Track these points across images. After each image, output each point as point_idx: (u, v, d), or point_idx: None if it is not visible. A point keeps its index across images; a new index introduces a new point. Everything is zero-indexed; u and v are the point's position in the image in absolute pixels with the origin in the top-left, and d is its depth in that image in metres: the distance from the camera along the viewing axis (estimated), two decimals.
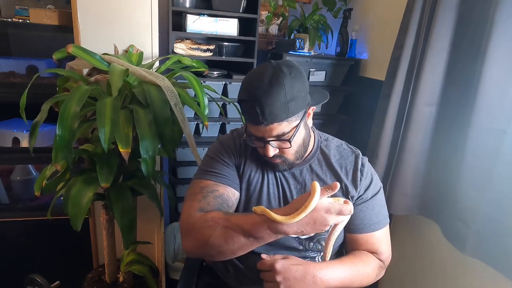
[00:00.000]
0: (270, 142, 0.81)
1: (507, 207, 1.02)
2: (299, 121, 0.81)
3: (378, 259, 0.93)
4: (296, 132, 0.81)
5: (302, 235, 0.72)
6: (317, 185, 0.68)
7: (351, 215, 0.91)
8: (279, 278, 0.76)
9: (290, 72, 0.78)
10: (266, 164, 0.92)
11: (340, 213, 0.69)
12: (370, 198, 0.92)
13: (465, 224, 1.11)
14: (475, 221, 1.08)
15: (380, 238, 0.93)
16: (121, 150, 0.95)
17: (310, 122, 0.89)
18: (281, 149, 0.84)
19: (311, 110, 0.87)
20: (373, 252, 0.93)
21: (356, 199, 0.92)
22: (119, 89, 1.11)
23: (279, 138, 0.81)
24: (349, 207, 0.70)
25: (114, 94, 0.96)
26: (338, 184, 0.69)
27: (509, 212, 1.02)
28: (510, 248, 1.01)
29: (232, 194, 0.89)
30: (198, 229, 0.78)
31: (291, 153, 0.86)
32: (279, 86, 0.76)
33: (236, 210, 0.92)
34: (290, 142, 0.81)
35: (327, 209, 0.69)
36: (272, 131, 0.79)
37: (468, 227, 1.10)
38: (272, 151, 0.83)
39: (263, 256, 0.81)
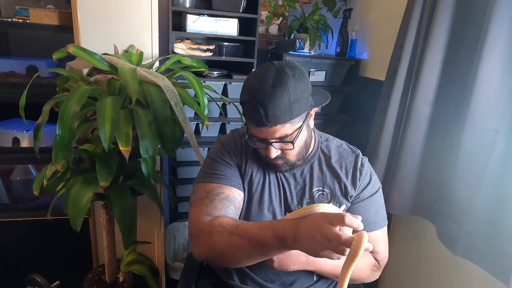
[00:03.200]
0: (273, 144, 0.81)
1: (499, 208, 1.02)
2: (301, 122, 0.81)
3: (374, 258, 0.93)
4: (299, 134, 0.81)
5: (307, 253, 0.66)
6: (331, 207, 0.64)
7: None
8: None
9: (293, 74, 0.77)
10: (267, 165, 0.92)
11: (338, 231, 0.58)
12: (367, 198, 0.92)
13: (457, 225, 1.12)
14: (467, 222, 1.09)
15: (377, 238, 0.93)
16: (121, 148, 0.95)
17: (311, 123, 0.89)
18: (283, 150, 0.84)
19: (313, 111, 0.87)
20: (369, 252, 0.93)
21: (354, 198, 0.92)
22: (119, 89, 1.11)
23: (281, 139, 0.80)
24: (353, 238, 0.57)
25: (134, 99, 0.95)
26: (360, 218, 0.60)
27: (500, 212, 1.02)
28: (500, 249, 1.02)
29: (238, 195, 0.89)
30: (205, 234, 0.78)
31: (293, 154, 0.86)
32: (283, 88, 0.75)
33: None
34: (293, 143, 0.81)
35: (331, 219, 0.59)
36: (275, 133, 0.79)
37: (460, 227, 1.11)
38: (274, 152, 0.83)
39: None
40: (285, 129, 0.79)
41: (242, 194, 0.91)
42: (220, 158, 0.92)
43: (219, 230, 0.76)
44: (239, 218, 0.91)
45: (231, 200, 0.86)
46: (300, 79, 0.78)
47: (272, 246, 0.69)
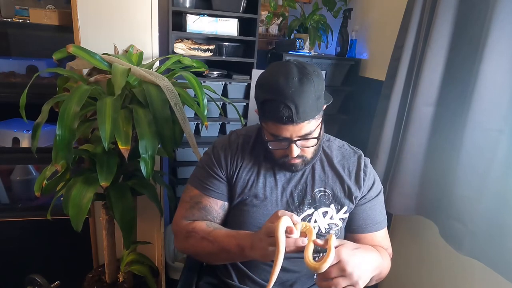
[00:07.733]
0: (296, 142, 0.81)
1: (503, 206, 1.02)
2: (321, 118, 0.83)
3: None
4: (321, 129, 0.82)
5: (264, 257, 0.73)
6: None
7: (352, 216, 0.92)
8: (349, 269, 0.67)
9: (313, 70, 0.79)
10: (282, 165, 0.89)
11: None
12: (373, 198, 0.93)
13: (462, 224, 1.11)
14: (472, 221, 1.09)
15: (383, 236, 0.94)
16: (120, 147, 0.95)
17: None
18: (303, 148, 0.84)
19: (324, 107, 0.88)
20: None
21: (360, 199, 0.92)
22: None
23: (306, 136, 0.80)
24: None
25: (117, 93, 0.95)
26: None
27: (505, 211, 1.02)
28: (506, 248, 1.01)
29: (215, 204, 0.93)
30: (182, 237, 0.92)
31: (311, 151, 0.86)
32: (310, 84, 0.76)
33: (232, 214, 0.94)
34: (318, 139, 0.82)
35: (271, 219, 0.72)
36: (301, 130, 0.79)
37: (465, 226, 1.10)
38: (296, 151, 0.82)
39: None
40: (310, 125, 0.79)
41: (220, 203, 0.93)
42: (208, 166, 0.94)
43: (192, 234, 0.88)
44: (238, 221, 0.92)
45: (207, 210, 0.92)
46: (319, 76, 0.80)
47: (234, 253, 0.80)
